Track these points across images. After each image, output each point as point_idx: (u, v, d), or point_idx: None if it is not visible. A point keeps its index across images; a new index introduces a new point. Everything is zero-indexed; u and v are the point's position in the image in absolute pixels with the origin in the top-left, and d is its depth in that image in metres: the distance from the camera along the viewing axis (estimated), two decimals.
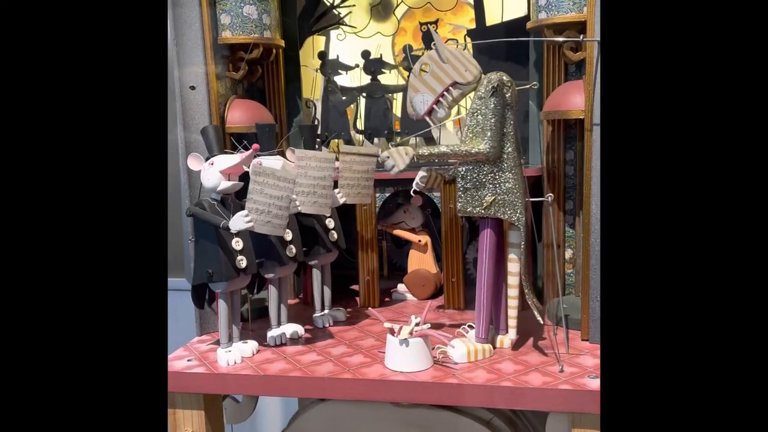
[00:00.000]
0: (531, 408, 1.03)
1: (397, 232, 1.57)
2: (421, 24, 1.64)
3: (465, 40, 1.60)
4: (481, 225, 1.14)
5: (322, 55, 1.64)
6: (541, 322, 1.13)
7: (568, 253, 1.40)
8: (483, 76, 1.08)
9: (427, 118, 1.10)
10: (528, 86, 1.23)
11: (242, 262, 1.15)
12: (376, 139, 1.62)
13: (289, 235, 1.23)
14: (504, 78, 1.07)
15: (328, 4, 1.66)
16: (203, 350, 1.24)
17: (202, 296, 1.21)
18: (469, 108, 1.09)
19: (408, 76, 1.56)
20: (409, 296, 1.55)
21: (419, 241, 1.54)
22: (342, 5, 1.66)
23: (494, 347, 1.17)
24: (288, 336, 1.25)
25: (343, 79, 1.65)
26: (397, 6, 1.68)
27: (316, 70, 1.64)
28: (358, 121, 1.65)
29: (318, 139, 1.54)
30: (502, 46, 1.45)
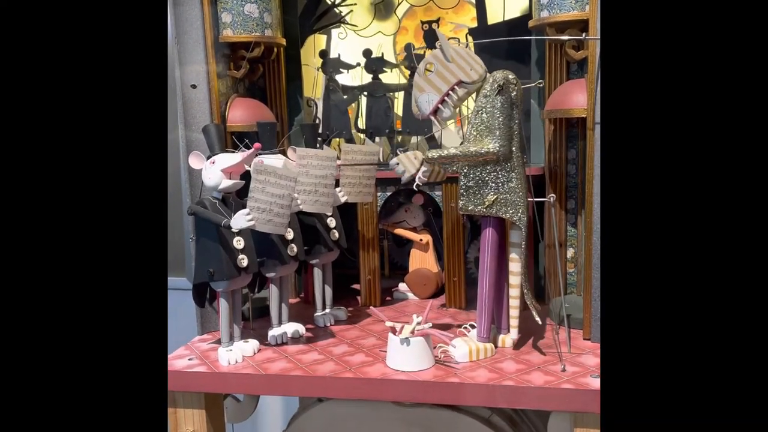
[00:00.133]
0: (533, 407, 1.03)
1: (399, 231, 1.56)
2: (423, 23, 1.63)
3: (467, 39, 1.60)
4: (483, 224, 1.13)
5: (324, 54, 1.64)
6: (540, 322, 1.13)
7: (570, 252, 1.39)
8: (488, 74, 1.08)
9: (433, 118, 1.10)
10: (533, 85, 1.23)
11: (243, 261, 1.15)
12: (377, 138, 1.62)
13: (290, 234, 1.23)
14: (510, 76, 1.06)
15: (330, 2, 1.66)
16: (204, 349, 1.24)
17: (203, 295, 1.20)
18: (474, 106, 1.09)
19: (409, 75, 1.56)
20: (411, 295, 1.55)
21: (420, 240, 1.54)
22: (343, 4, 1.66)
23: (496, 346, 1.17)
24: (289, 335, 1.25)
25: (344, 78, 1.65)
26: (399, 5, 1.68)
27: (318, 69, 1.64)
28: (359, 120, 1.65)
29: (319, 138, 1.53)
30: (503, 45, 1.45)
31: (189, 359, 1.18)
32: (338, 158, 1.27)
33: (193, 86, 1.28)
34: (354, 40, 1.68)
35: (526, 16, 1.40)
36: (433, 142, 1.60)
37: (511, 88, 1.07)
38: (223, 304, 1.17)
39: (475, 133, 1.08)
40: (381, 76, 1.59)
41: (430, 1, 1.64)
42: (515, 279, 1.14)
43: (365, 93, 1.61)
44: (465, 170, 1.10)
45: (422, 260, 1.54)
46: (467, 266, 1.51)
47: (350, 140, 1.60)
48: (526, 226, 1.11)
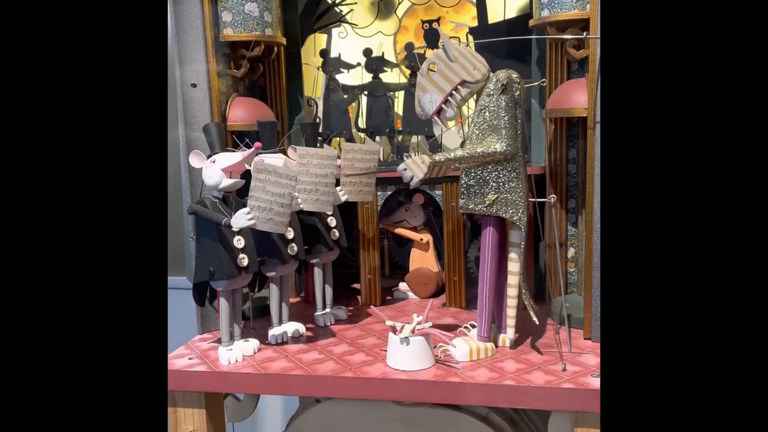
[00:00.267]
0: (533, 407, 1.03)
1: (399, 230, 1.56)
2: (423, 22, 1.63)
3: (467, 38, 1.60)
4: (484, 223, 1.13)
5: (324, 53, 1.64)
6: (537, 323, 1.13)
7: (571, 252, 1.39)
8: (491, 74, 1.07)
9: (436, 118, 1.10)
10: (537, 84, 1.23)
11: (244, 260, 1.14)
12: (377, 137, 1.62)
13: (290, 234, 1.23)
14: (513, 76, 1.06)
15: (330, 2, 1.65)
16: (204, 348, 1.24)
17: (203, 294, 1.20)
18: (476, 105, 1.08)
19: (410, 75, 1.56)
20: (411, 295, 1.55)
21: (421, 239, 1.54)
22: (343, 3, 1.66)
23: (496, 346, 1.17)
24: (289, 334, 1.25)
25: (344, 78, 1.65)
26: (399, 4, 1.67)
27: (318, 68, 1.64)
28: (359, 119, 1.64)
29: (319, 138, 1.53)
30: (504, 44, 1.45)
31: (189, 358, 1.18)
32: (338, 157, 1.26)
33: (194, 85, 1.28)
34: (354, 40, 1.68)
35: (527, 15, 1.40)
36: (434, 142, 1.60)
37: (515, 88, 1.06)
38: (223, 304, 1.17)
39: (477, 132, 1.08)
40: (381, 75, 1.59)
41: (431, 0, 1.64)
42: (513, 279, 1.14)
43: (365, 92, 1.61)
44: (466, 169, 1.10)
45: (422, 260, 1.54)
46: (467, 266, 1.50)
47: (350, 139, 1.60)
48: (526, 226, 1.11)
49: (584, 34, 1.12)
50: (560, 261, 1.33)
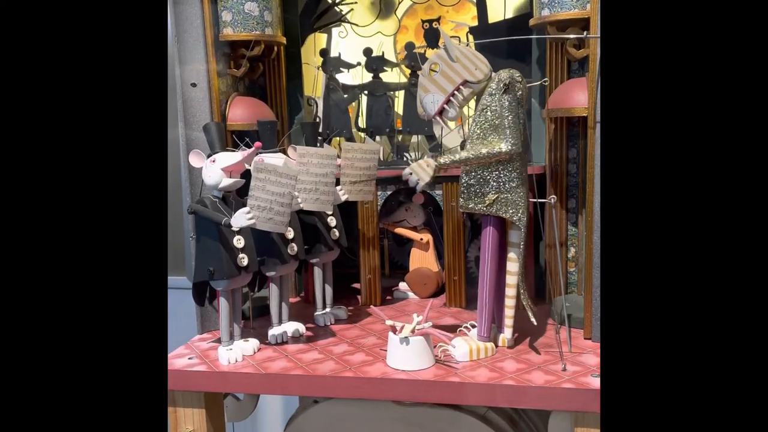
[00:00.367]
0: (533, 407, 1.03)
1: (399, 230, 1.56)
2: (423, 21, 1.63)
3: (467, 38, 1.60)
4: (484, 223, 1.13)
5: (324, 53, 1.63)
6: (535, 323, 1.13)
7: (571, 252, 1.39)
8: (493, 73, 1.07)
9: (438, 118, 1.10)
10: (539, 83, 1.22)
11: (243, 260, 1.14)
12: (378, 137, 1.62)
13: (290, 233, 1.23)
14: (516, 75, 1.06)
15: (330, 1, 1.65)
16: (204, 348, 1.24)
17: (203, 294, 1.20)
18: (478, 105, 1.08)
19: (410, 74, 1.56)
20: (411, 295, 1.54)
21: (421, 239, 1.53)
22: (343, 2, 1.66)
23: (496, 346, 1.16)
24: (289, 334, 1.25)
25: (344, 77, 1.65)
26: (399, 4, 1.67)
27: (318, 68, 1.63)
28: (359, 118, 1.64)
29: (320, 137, 1.53)
30: (504, 44, 1.44)
31: (189, 358, 1.18)
32: (338, 157, 1.26)
33: (193, 85, 1.28)
34: (354, 39, 1.68)
35: (527, 15, 1.40)
36: (434, 141, 1.60)
37: (518, 87, 1.06)
38: (223, 303, 1.16)
39: (479, 131, 1.08)
40: (381, 75, 1.59)
41: None
42: (512, 279, 1.14)
43: (365, 92, 1.61)
44: (466, 168, 1.10)
45: (422, 259, 1.54)
46: (468, 265, 1.50)
47: (350, 139, 1.60)
48: (525, 226, 1.11)
49: (584, 33, 1.12)
50: (560, 261, 1.32)
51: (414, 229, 1.56)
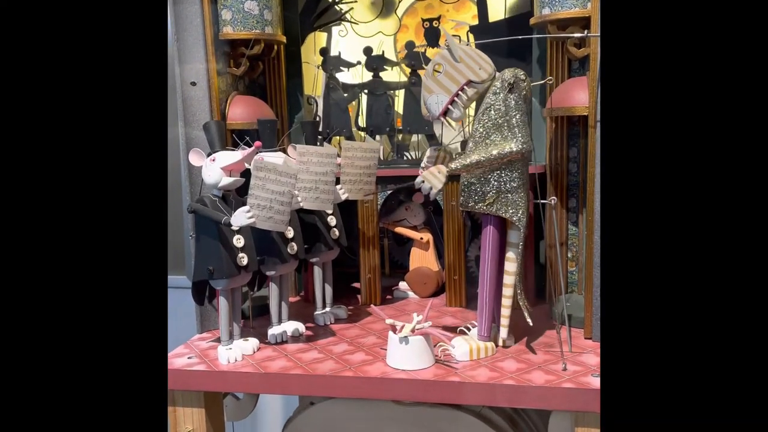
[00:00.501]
0: (533, 406, 1.03)
1: (399, 229, 1.56)
2: (424, 20, 1.63)
3: (467, 37, 1.60)
4: (484, 222, 1.13)
5: (324, 52, 1.63)
6: (531, 323, 1.13)
7: (572, 251, 1.39)
8: (497, 73, 1.07)
9: (443, 119, 1.09)
10: (543, 82, 1.22)
11: (243, 259, 1.14)
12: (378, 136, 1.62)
13: (290, 233, 1.23)
14: (520, 74, 1.06)
15: (330, 0, 1.65)
16: (204, 348, 1.23)
17: (202, 293, 1.20)
18: (482, 104, 1.08)
19: (410, 73, 1.56)
20: (411, 294, 1.54)
21: (421, 238, 1.53)
22: (343, 1, 1.65)
23: (496, 345, 1.16)
24: (289, 334, 1.25)
25: (344, 76, 1.64)
26: (399, 3, 1.67)
27: (318, 67, 1.63)
28: (359, 118, 1.64)
29: (320, 136, 1.53)
30: (504, 43, 1.44)
31: (188, 358, 1.18)
32: (338, 155, 1.26)
33: (193, 83, 1.27)
34: (354, 38, 1.68)
35: (528, 14, 1.39)
36: (434, 140, 1.60)
37: (523, 86, 1.06)
38: (222, 303, 1.16)
39: (482, 130, 1.07)
40: (381, 74, 1.59)
41: None
42: (510, 279, 1.14)
43: (366, 91, 1.60)
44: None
45: (423, 259, 1.54)
46: (468, 265, 1.50)
47: (350, 138, 1.59)
48: (525, 226, 1.11)
49: (585, 32, 1.11)
50: (561, 260, 1.32)
51: (414, 228, 1.56)
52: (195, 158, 1.16)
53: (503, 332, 1.16)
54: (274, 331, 1.24)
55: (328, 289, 1.37)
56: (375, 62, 1.58)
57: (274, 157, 1.21)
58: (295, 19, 1.58)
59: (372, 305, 1.43)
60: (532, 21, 1.31)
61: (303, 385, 1.09)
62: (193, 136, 1.27)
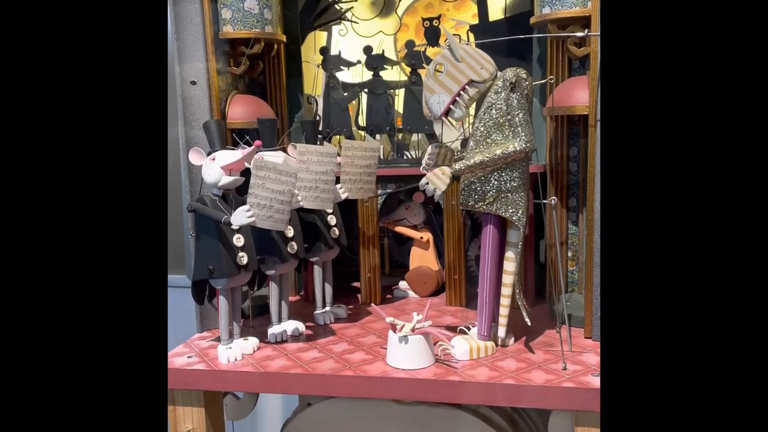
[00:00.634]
0: (533, 406, 1.03)
1: (399, 228, 1.56)
2: (424, 20, 1.62)
3: (468, 36, 1.60)
4: (484, 221, 1.13)
5: (324, 51, 1.63)
6: (529, 323, 1.13)
7: (572, 251, 1.39)
8: (498, 72, 1.07)
9: (444, 119, 1.09)
10: (544, 81, 1.22)
11: (243, 258, 1.14)
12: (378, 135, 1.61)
13: (290, 232, 1.23)
14: (522, 73, 1.06)
15: None
16: (204, 347, 1.23)
17: (202, 292, 1.20)
18: (483, 103, 1.08)
19: (410, 72, 1.56)
20: (411, 293, 1.54)
21: (421, 238, 1.53)
22: (343, 1, 1.65)
23: (496, 345, 1.16)
24: (289, 333, 1.25)
25: (344, 75, 1.64)
26: (399, 3, 1.67)
27: (318, 66, 1.63)
28: (359, 117, 1.64)
29: (320, 135, 1.53)
30: (505, 42, 1.44)
31: (188, 357, 1.18)
32: (339, 155, 1.26)
33: (193, 83, 1.27)
34: (354, 38, 1.68)
35: (528, 13, 1.39)
36: (434, 140, 1.59)
37: (524, 85, 1.06)
38: (222, 302, 1.16)
39: (483, 129, 1.07)
40: (381, 73, 1.59)
41: None
42: (508, 278, 1.14)
43: (366, 90, 1.60)
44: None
45: (423, 258, 1.54)
46: (468, 264, 1.50)
47: (350, 137, 1.59)
48: (524, 226, 1.11)
49: (585, 31, 1.11)
50: (561, 259, 1.32)
51: (414, 227, 1.56)
52: (195, 157, 1.16)
53: (502, 331, 1.16)
54: (274, 330, 1.24)
55: (328, 289, 1.37)
56: (375, 61, 1.58)
57: (274, 156, 1.21)
58: (295, 18, 1.58)
59: (372, 304, 1.43)
60: (532, 20, 1.31)
61: (303, 384, 1.09)
62: (193, 136, 1.27)
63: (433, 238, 1.54)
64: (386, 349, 1.12)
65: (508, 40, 1.41)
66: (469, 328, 1.19)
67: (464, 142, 1.21)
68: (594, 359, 1.09)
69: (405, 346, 1.08)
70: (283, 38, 1.47)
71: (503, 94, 1.05)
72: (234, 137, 1.33)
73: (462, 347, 1.11)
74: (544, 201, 1.18)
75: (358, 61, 1.61)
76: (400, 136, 1.61)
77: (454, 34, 1.60)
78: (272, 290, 1.24)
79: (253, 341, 1.20)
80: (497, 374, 1.04)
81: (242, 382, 1.12)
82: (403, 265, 1.65)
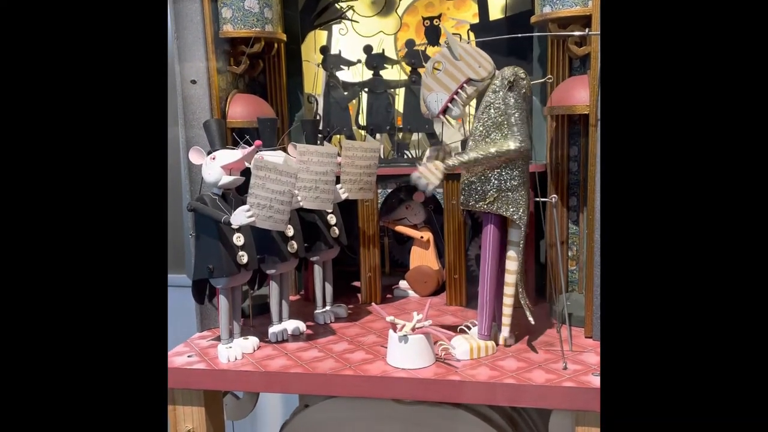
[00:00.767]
0: (533, 405, 1.03)
1: (399, 228, 1.56)
2: (424, 19, 1.62)
3: (468, 35, 1.59)
4: (484, 221, 1.13)
5: (324, 50, 1.63)
6: (533, 322, 1.12)
7: (572, 250, 1.39)
8: (496, 71, 1.07)
9: (442, 117, 1.09)
10: (543, 80, 1.22)
11: (243, 257, 1.14)
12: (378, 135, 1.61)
13: (290, 231, 1.23)
14: (520, 73, 1.06)
15: None
16: (204, 346, 1.23)
17: (202, 292, 1.20)
18: (481, 102, 1.08)
19: (410, 72, 1.56)
20: (411, 293, 1.54)
21: (421, 237, 1.53)
22: (342, 0, 1.65)
23: (497, 344, 1.16)
24: (289, 332, 1.25)
25: (344, 75, 1.64)
26: (400, 2, 1.67)
27: (318, 65, 1.63)
28: (360, 116, 1.64)
29: (320, 135, 1.53)
30: (505, 41, 1.44)
31: (188, 356, 1.18)
32: (339, 155, 1.26)
33: (193, 82, 1.27)
34: (355, 37, 1.68)
35: (529, 12, 1.39)
36: (434, 139, 1.59)
37: (522, 84, 1.06)
38: (222, 301, 1.16)
39: (481, 128, 1.07)
40: (382, 72, 1.59)
41: None
42: (511, 277, 1.14)
43: (366, 89, 1.60)
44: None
45: (423, 257, 1.54)
46: (468, 263, 1.50)
47: (351, 137, 1.59)
48: (526, 225, 1.11)
49: (586, 30, 1.11)
50: (561, 259, 1.32)
51: (414, 227, 1.56)
52: (195, 157, 1.16)
53: (505, 331, 1.16)
54: (274, 329, 1.24)
55: (329, 288, 1.37)
56: (375, 60, 1.58)
57: (274, 156, 1.21)
58: (296, 17, 1.58)
59: (372, 304, 1.43)
60: (532, 19, 1.30)
61: (303, 383, 1.09)
62: (193, 135, 1.27)
63: (434, 238, 1.54)
64: (386, 348, 1.12)
65: (509, 39, 1.41)
66: (469, 328, 1.19)
67: (464, 142, 1.21)
68: (594, 359, 1.09)
69: (405, 345, 1.08)
70: (284, 37, 1.47)
71: (501, 93, 1.05)
72: (234, 136, 1.33)
73: (462, 347, 1.11)
74: (545, 199, 1.18)
75: (359, 61, 1.60)
76: (400, 135, 1.61)
77: (454, 34, 1.60)
78: (272, 289, 1.24)
79: (253, 341, 1.20)
80: (497, 374, 1.04)
81: (242, 382, 1.12)
82: (403, 264, 1.65)
